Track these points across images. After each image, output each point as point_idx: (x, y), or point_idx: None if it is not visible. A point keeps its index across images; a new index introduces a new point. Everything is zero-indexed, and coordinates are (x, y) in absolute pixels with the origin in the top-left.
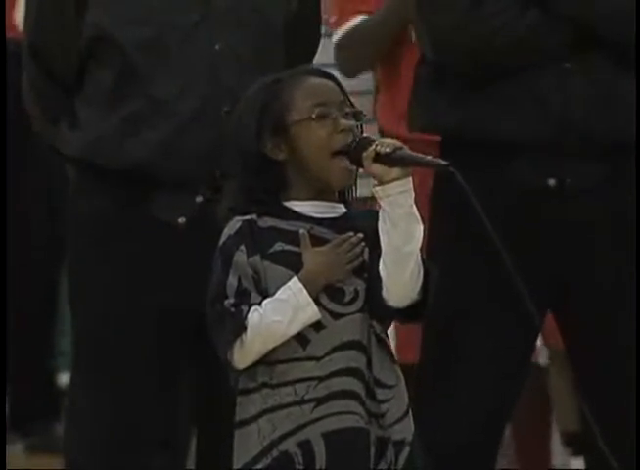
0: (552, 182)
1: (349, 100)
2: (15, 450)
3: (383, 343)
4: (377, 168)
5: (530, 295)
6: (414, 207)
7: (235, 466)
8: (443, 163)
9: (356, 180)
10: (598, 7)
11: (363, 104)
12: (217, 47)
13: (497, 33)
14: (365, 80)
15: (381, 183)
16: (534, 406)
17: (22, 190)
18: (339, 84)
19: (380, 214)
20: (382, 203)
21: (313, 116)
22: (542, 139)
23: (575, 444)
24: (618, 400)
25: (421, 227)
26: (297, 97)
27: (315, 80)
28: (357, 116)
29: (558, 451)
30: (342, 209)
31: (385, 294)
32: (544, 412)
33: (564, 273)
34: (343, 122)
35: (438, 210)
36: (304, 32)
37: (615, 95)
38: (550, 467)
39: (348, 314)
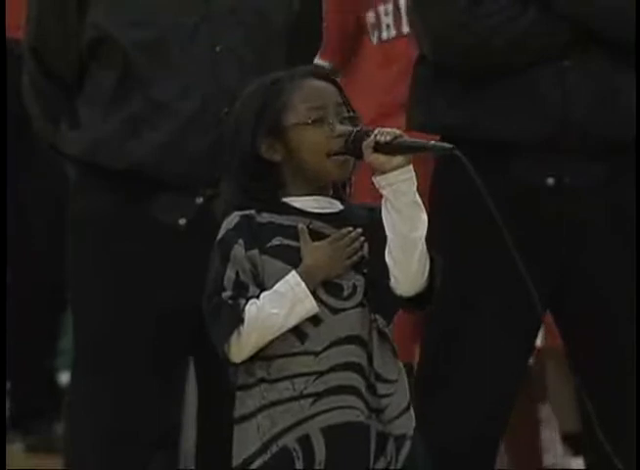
0: (551, 181)
1: (348, 102)
2: (15, 450)
3: (384, 337)
4: (377, 158)
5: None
6: (417, 194)
7: (235, 462)
8: (447, 146)
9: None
10: (598, 5)
11: None
12: (218, 48)
13: (496, 32)
14: None
15: (382, 172)
16: (522, 405)
17: (22, 189)
18: (338, 86)
19: (383, 204)
20: (384, 192)
21: (309, 120)
22: (541, 138)
23: (575, 444)
24: (618, 400)
25: (425, 214)
26: (295, 99)
27: (314, 83)
28: (355, 120)
29: (558, 451)
30: (339, 205)
31: (393, 284)
32: (531, 410)
33: (562, 272)
34: (340, 128)
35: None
36: (306, 33)
37: (614, 94)
38: (541, 466)
39: (347, 309)
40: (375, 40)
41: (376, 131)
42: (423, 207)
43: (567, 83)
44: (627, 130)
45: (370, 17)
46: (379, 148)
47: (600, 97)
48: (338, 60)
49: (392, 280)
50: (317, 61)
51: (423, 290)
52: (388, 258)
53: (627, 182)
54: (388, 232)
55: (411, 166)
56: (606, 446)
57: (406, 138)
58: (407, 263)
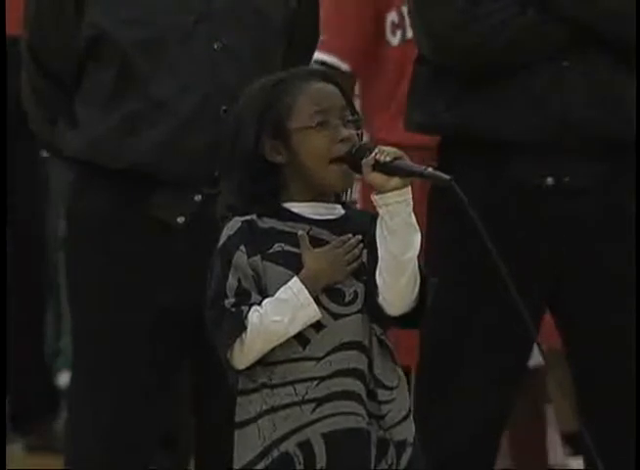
0: (550, 181)
1: (352, 104)
2: (14, 450)
3: (384, 344)
4: (376, 177)
5: (528, 293)
6: (412, 216)
7: (235, 466)
8: (445, 176)
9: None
10: (600, 7)
11: None
12: (216, 46)
13: (495, 32)
14: None
15: (380, 192)
16: (528, 406)
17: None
18: (341, 88)
19: (378, 222)
20: (380, 211)
21: (313, 124)
22: (541, 138)
23: (575, 444)
24: (617, 399)
25: (419, 236)
26: (299, 102)
27: (317, 85)
28: (357, 123)
29: (558, 451)
30: (340, 210)
31: (381, 301)
32: (538, 411)
33: (562, 271)
34: (344, 132)
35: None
36: (304, 31)
37: (613, 94)
38: (547, 467)
39: (348, 315)
40: (396, 41)
41: (376, 150)
42: (417, 228)
43: (565, 83)
44: (627, 130)
45: (391, 16)
46: (378, 167)
47: (599, 97)
48: (356, 61)
49: (381, 298)
50: (334, 61)
51: (412, 310)
52: (377, 277)
53: (627, 182)
54: (380, 251)
55: (409, 188)
56: (593, 453)
57: (406, 161)
58: (395, 284)
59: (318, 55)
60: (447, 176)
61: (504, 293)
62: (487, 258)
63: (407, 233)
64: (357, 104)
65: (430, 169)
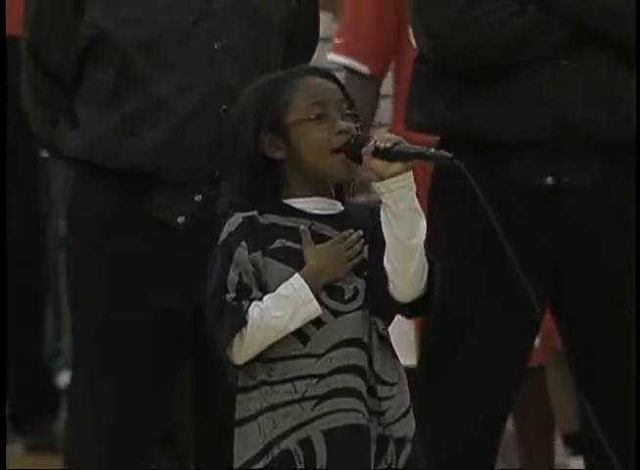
0: (550, 180)
1: (350, 99)
2: (14, 450)
3: (384, 340)
4: (377, 164)
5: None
6: (416, 200)
7: (236, 464)
8: (447, 154)
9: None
10: (598, 4)
11: (384, 107)
12: (216, 46)
13: (495, 31)
14: (384, 83)
15: (381, 179)
16: (536, 406)
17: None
18: (339, 83)
19: (382, 209)
20: (383, 198)
21: (312, 116)
22: (541, 138)
23: (575, 444)
24: (618, 400)
25: (424, 222)
26: (297, 96)
27: (315, 80)
28: (356, 117)
29: (558, 451)
30: (339, 206)
31: (391, 289)
32: (546, 411)
33: (562, 271)
34: (342, 124)
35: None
36: (303, 31)
37: (613, 93)
38: (552, 467)
39: (349, 312)
40: None
41: (376, 137)
42: (422, 213)
43: (565, 83)
44: (627, 130)
45: None
46: (378, 154)
47: (599, 96)
48: (375, 64)
49: (391, 286)
50: (353, 64)
51: (421, 296)
52: (386, 264)
53: (627, 182)
54: (386, 238)
55: (410, 173)
56: (605, 447)
57: (406, 145)
58: (405, 270)
59: (337, 58)
60: (449, 154)
61: (509, 269)
62: (493, 239)
63: (412, 217)
64: (383, 104)
65: (431, 150)
